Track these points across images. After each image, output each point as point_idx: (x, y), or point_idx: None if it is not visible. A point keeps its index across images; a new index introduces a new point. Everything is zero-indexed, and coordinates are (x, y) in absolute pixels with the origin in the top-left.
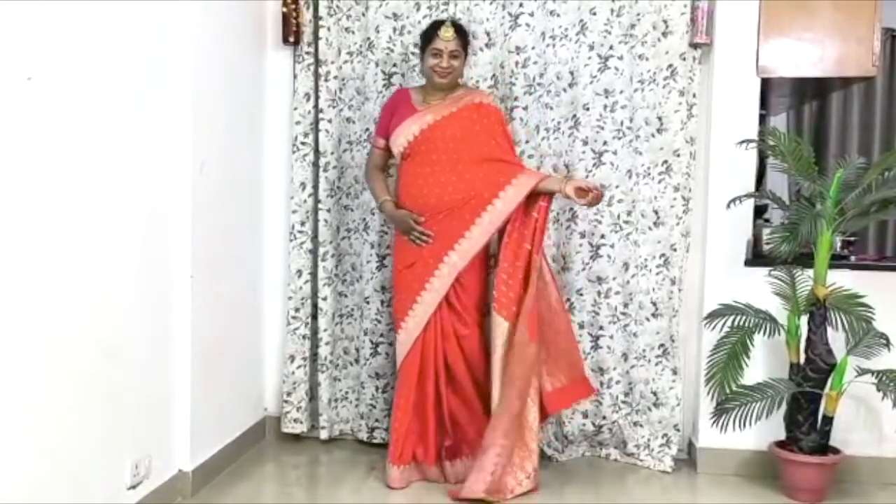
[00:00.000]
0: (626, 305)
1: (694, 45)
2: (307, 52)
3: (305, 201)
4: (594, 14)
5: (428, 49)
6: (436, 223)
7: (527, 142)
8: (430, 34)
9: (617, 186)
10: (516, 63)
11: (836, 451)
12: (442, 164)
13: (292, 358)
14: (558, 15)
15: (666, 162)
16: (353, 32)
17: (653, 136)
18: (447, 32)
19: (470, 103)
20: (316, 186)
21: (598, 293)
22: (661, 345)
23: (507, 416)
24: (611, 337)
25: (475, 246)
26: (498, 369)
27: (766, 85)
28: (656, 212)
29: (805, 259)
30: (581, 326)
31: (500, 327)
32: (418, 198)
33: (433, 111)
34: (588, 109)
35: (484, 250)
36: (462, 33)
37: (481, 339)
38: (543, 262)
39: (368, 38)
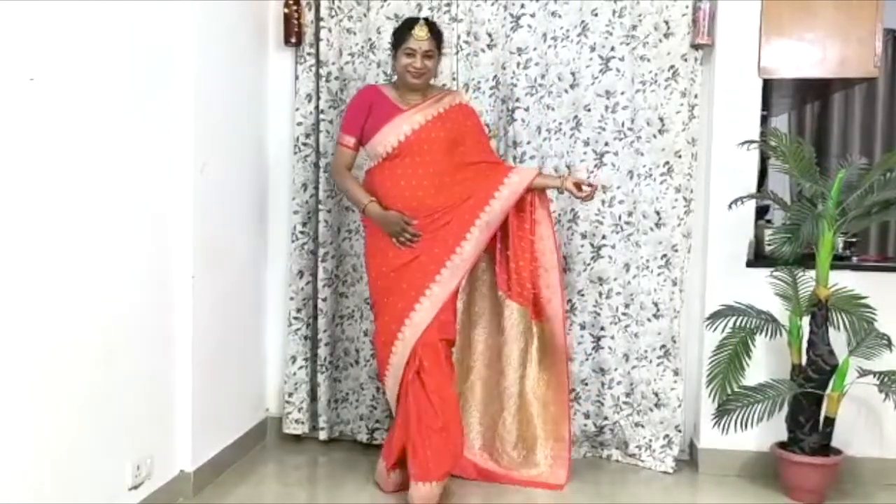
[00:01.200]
0: (627, 306)
1: (695, 46)
2: (309, 53)
3: (307, 202)
4: (595, 15)
5: (401, 48)
6: (431, 222)
7: (528, 143)
8: (403, 33)
9: (618, 187)
10: (518, 64)
11: (837, 451)
12: (436, 166)
13: (294, 359)
14: (560, 16)
15: (667, 163)
16: (355, 33)
17: (654, 137)
18: (421, 32)
19: (453, 104)
20: (317, 187)
21: (600, 294)
22: (663, 345)
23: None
24: (612, 338)
25: (478, 247)
26: (517, 359)
27: (768, 86)
28: (658, 213)
29: (807, 260)
30: (582, 327)
31: (509, 308)
32: (411, 200)
33: (421, 112)
34: (589, 110)
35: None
36: (436, 33)
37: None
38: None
39: (370, 39)
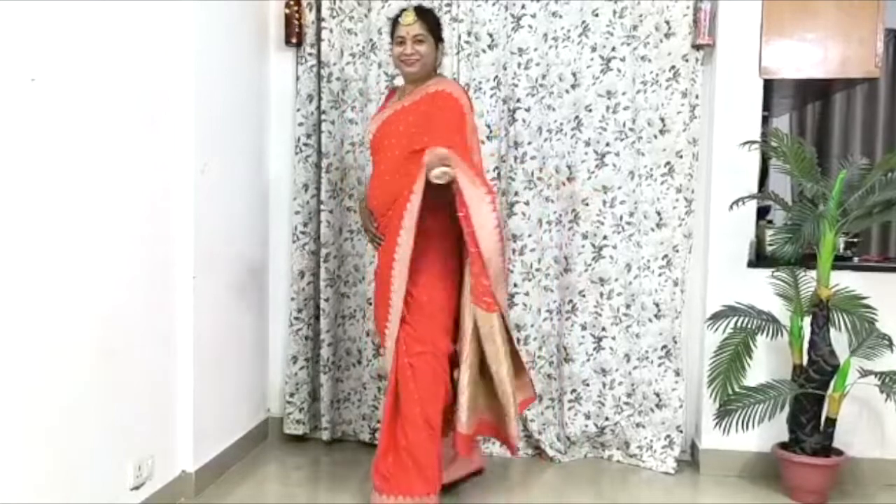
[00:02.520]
0: (628, 306)
1: (696, 47)
2: (310, 54)
3: (308, 202)
4: (596, 15)
5: (393, 39)
6: (383, 226)
7: (529, 143)
8: (393, 24)
9: (619, 188)
10: (519, 64)
11: (838, 452)
12: (389, 163)
13: (295, 359)
14: (560, 16)
15: (668, 163)
16: (356, 34)
17: (655, 137)
18: (408, 17)
19: (425, 94)
20: (318, 188)
21: (601, 294)
22: (664, 346)
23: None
24: (613, 338)
25: (408, 251)
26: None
27: (769, 86)
28: (659, 213)
29: (808, 260)
30: (584, 328)
31: (483, 318)
32: (370, 199)
33: (394, 106)
34: (590, 111)
35: (443, 256)
36: (427, 17)
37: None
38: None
39: (371, 40)
